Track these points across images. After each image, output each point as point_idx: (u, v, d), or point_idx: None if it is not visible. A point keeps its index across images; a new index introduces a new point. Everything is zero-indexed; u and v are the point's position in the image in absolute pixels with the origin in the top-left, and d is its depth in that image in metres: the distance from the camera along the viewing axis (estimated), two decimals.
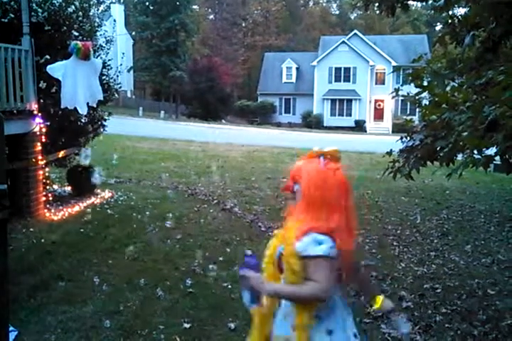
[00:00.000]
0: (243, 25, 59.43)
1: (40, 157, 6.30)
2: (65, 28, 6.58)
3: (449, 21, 4.29)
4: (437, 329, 3.62)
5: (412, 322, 3.70)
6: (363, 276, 2.16)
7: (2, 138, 2.58)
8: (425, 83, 3.90)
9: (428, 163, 4.08)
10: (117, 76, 8.11)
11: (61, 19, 6.54)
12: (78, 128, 7.40)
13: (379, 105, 39.32)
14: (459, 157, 3.43)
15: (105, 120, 7.95)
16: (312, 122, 38.17)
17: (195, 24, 45.73)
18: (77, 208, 6.79)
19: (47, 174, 6.87)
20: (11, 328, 3.10)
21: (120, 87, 8.47)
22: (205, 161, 12.57)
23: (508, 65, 3.05)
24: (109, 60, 7.80)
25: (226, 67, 44.17)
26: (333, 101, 39.43)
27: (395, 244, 5.86)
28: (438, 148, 3.71)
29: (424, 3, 6.42)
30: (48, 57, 6.15)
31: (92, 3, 7.62)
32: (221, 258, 4.97)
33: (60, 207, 6.76)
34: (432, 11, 4.94)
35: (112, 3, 37.97)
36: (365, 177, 10.23)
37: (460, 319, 3.79)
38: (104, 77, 7.39)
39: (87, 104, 5.63)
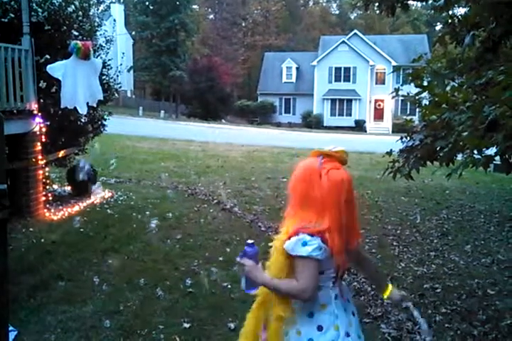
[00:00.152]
0: (243, 24, 59.45)
1: (40, 157, 6.30)
2: (65, 27, 6.57)
3: (449, 21, 4.29)
4: (437, 329, 3.62)
5: (412, 321, 3.71)
6: (371, 267, 2.17)
7: (2, 137, 2.58)
8: (425, 83, 3.90)
9: (428, 163, 4.08)
10: (117, 76, 8.11)
11: (61, 19, 6.53)
12: (78, 128, 7.40)
13: (379, 105, 39.33)
14: (459, 157, 3.43)
15: (105, 120, 7.95)
16: (312, 122, 38.18)
17: (195, 24, 45.75)
18: (76, 208, 6.79)
19: (47, 174, 6.87)
20: (10, 328, 3.10)
21: (120, 87, 8.46)
22: (205, 161, 12.57)
23: (508, 64, 3.05)
24: (109, 59, 7.80)
25: (226, 66, 44.18)
26: (333, 101, 39.44)
27: (394, 243, 5.86)
28: (438, 148, 3.71)
29: (424, 3, 6.42)
30: (47, 56, 6.15)
31: (91, 2, 7.61)
32: (221, 258, 4.97)
33: (60, 207, 6.76)
34: (432, 11, 4.94)
35: (111, 2, 37.95)
36: (365, 177, 10.23)
37: (460, 319, 3.79)
38: (104, 77, 7.39)
39: (87, 103, 5.63)
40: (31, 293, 3.94)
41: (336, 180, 1.78)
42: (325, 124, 38.18)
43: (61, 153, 7.04)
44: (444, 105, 3.60)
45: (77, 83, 5.40)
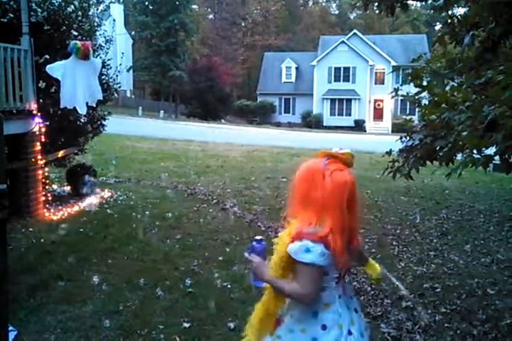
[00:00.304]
0: (243, 24, 59.46)
1: (39, 157, 6.30)
2: (64, 27, 6.57)
3: (449, 21, 4.29)
4: (437, 328, 3.62)
5: (412, 321, 3.71)
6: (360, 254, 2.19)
7: (1, 137, 2.58)
8: (425, 83, 3.90)
9: (427, 162, 4.08)
10: (117, 76, 8.11)
11: (60, 19, 6.53)
12: (77, 128, 7.40)
13: (378, 105, 39.33)
14: (459, 157, 3.43)
15: (104, 120, 7.95)
16: (312, 122, 38.19)
17: (195, 24, 45.73)
18: (76, 208, 6.79)
19: (46, 174, 6.87)
20: (10, 328, 3.10)
21: (119, 87, 8.46)
22: (204, 161, 12.57)
23: (507, 64, 3.05)
24: (108, 59, 7.80)
25: (226, 66, 44.17)
26: (332, 100, 39.45)
27: (394, 243, 5.86)
28: (437, 148, 3.72)
29: (423, 3, 6.43)
30: (47, 56, 6.15)
31: (91, 2, 7.61)
32: (221, 258, 4.97)
33: (60, 207, 6.76)
34: (432, 11, 4.94)
35: (111, 2, 37.90)
36: (365, 177, 10.23)
37: (459, 318, 3.79)
38: (103, 77, 7.39)
39: (87, 103, 5.63)
40: (31, 292, 3.93)
41: (339, 181, 1.78)
42: (324, 124, 38.18)
43: (61, 153, 7.04)
44: (443, 105, 3.60)
45: (76, 83, 5.39)
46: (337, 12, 69.81)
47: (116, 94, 8.33)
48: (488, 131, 2.80)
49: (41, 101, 6.32)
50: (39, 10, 6.21)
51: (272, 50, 50.59)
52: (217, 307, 3.80)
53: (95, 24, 7.61)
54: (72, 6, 6.65)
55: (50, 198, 6.86)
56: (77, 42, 5.39)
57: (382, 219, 7.09)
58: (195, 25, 45.97)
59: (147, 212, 6.71)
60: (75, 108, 5.52)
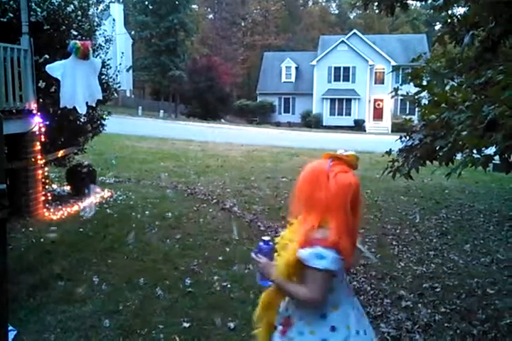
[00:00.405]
0: (242, 24, 59.45)
1: (39, 156, 6.30)
2: (64, 27, 6.57)
3: (449, 21, 4.29)
4: (437, 328, 3.62)
5: (412, 321, 3.71)
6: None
7: (1, 137, 2.58)
8: (424, 82, 3.90)
9: (427, 162, 4.08)
10: (116, 75, 8.11)
11: (60, 18, 6.53)
12: (77, 128, 7.40)
13: (378, 104, 39.33)
14: (458, 156, 3.43)
15: (104, 119, 7.95)
16: (311, 122, 38.19)
17: (195, 23, 45.71)
18: (76, 207, 6.79)
19: (46, 173, 6.86)
20: (10, 327, 3.10)
21: (119, 87, 8.46)
22: (204, 161, 12.57)
23: (507, 64, 3.05)
24: (108, 59, 7.79)
25: (225, 66, 44.18)
26: (332, 100, 39.44)
27: (394, 243, 5.86)
28: (437, 148, 3.71)
29: (423, 3, 6.43)
30: (47, 56, 6.15)
31: (91, 2, 7.61)
32: (220, 258, 4.97)
33: (60, 207, 6.76)
34: (432, 11, 4.94)
35: (111, 2, 37.82)
36: (365, 177, 10.22)
37: (459, 318, 3.79)
38: (103, 77, 7.38)
39: (86, 103, 5.62)
40: (31, 292, 3.93)
41: (343, 183, 1.78)
42: (324, 124, 38.17)
43: (60, 153, 7.04)
44: (443, 105, 3.60)
45: (76, 83, 5.39)
46: (337, 12, 69.82)
47: (116, 94, 8.33)
48: (487, 131, 2.80)
49: (41, 100, 6.32)
50: (39, 9, 6.21)
51: (271, 49, 50.57)
52: (217, 307, 3.80)
53: (95, 24, 7.61)
54: (72, 6, 6.65)
55: (49, 198, 6.86)
56: (77, 41, 5.38)
57: (382, 218, 7.09)
58: (195, 25, 45.95)
59: (147, 212, 6.71)
60: (74, 108, 5.52)
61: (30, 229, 5.71)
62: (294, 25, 61.19)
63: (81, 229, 5.79)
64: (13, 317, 3.30)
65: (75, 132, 7.40)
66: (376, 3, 5.42)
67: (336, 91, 39.10)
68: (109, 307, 3.74)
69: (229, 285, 4.23)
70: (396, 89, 4.20)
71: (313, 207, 1.81)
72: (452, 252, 5.56)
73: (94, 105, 6.11)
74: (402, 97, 4.41)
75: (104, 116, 7.91)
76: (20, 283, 4.07)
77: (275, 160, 13.30)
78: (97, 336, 3.33)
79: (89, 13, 7.49)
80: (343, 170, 1.81)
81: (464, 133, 3.02)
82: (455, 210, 7.82)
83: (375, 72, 39.38)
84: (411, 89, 3.99)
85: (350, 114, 38.93)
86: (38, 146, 6.26)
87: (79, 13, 6.85)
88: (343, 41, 39.35)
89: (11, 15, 5.98)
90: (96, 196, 7.44)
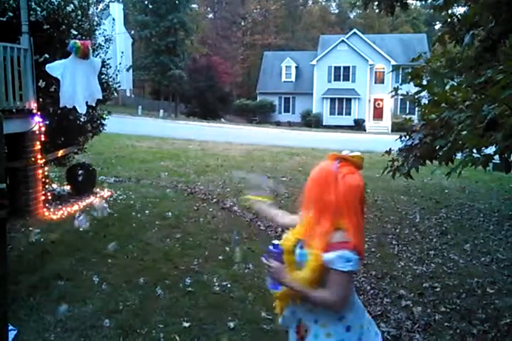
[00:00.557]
0: (242, 24, 59.44)
1: (39, 156, 6.30)
2: (64, 26, 6.56)
3: (449, 20, 4.29)
4: (436, 328, 3.63)
5: (411, 320, 3.71)
6: None
7: (1, 137, 2.58)
8: (424, 82, 3.90)
9: (427, 161, 4.09)
10: (116, 75, 8.10)
11: (60, 18, 6.52)
12: (77, 127, 7.39)
13: (378, 104, 39.32)
14: (458, 156, 3.44)
15: (104, 119, 7.94)
16: (311, 121, 38.17)
17: (195, 23, 45.72)
18: (76, 207, 6.79)
19: (46, 173, 6.86)
20: (10, 327, 3.10)
21: (119, 86, 8.45)
22: (204, 160, 12.56)
23: (507, 63, 3.05)
24: (108, 58, 7.79)
25: (225, 66, 44.15)
26: (332, 100, 39.42)
27: (394, 242, 5.87)
28: (437, 147, 3.72)
29: (423, 2, 6.42)
30: (47, 56, 6.14)
31: (91, 1, 7.60)
32: (220, 257, 4.97)
33: (60, 206, 6.75)
34: (432, 10, 4.94)
35: (111, 1, 37.95)
36: (364, 176, 10.12)
37: (459, 318, 3.80)
38: (103, 76, 7.38)
39: (86, 103, 5.62)
40: (31, 292, 3.93)
41: (351, 185, 1.81)
42: (324, 123, 38.16)
43: (60, 152, 7.03)
44: (443, 104, 3.60)
45: (76, 82, 5.39)
46: (337, 11, 69.75)
47: (115, 94, 8.33)
48: (487, 131, 2.80)
49: (41, 100, 6.32)
50: (38, 9, 6.21)
51: (271, 49, 50.55)
52: (217, 306, 3.81)
53: (95, 23, 7.60)
54: (72, 5, 6.64)
55: (49, 197, 6.85)
56: (77, 41, 5.38)
57: (382, 218, 7.09)
58: (195, 25, 45.96)
59: (147, 212, 6.70)
60: (74, 107, 5.52)
61: (30, 228, 5.71)
62: (294, 25, 61.18)
63: (81, 229, 5.78)
64: (13, 317, 3.31)
65: (74, 132, 7.39)
66: (376, 3, 5.42)
67: (335, 91, 39.08)
68: (109, 307, 3.74)
69: (229, 285, 4.23)
70: (396, 89, 4.21)
71: (325, 210, 1.82)
72: (452, 252, 5.56)
73: (94, 105, 6.10)
74: (402, 97, 4.42)
75: (104, 116, 7.90)
76: (20, 283, 4.07)
77: (275, 160, 13.29)
78: (97, 335, 3.33)
79: (89, 12, 7.49)
80: (350, 172, 1.84)
81: (464, 132, 3.02)
82: (455, 210, 7.82)
83: (375, 72, 39.35)
84: (411, 88, 3.99)
85: (350, 114, 38.91)
86: (37, 146, 6.25)
87: (79, 12, 6.85)
88: (343, 41, 39.32)
89: (11, 14, 5.98)
90: (97, 196, 7.44)
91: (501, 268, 5.08)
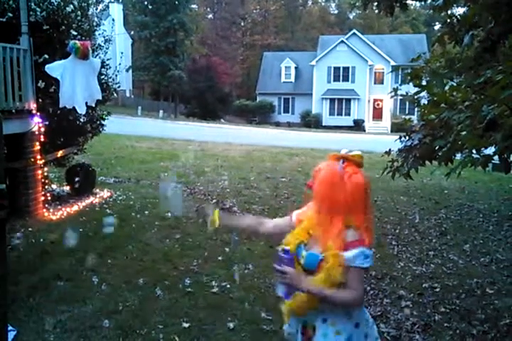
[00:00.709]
0: (242, 24, 59.45)
1: (38, 156, 6.29)
2: (63, 27, 6.56)
3: (448, 21, 4.29)
4: (436, 328, 3.63)
5: (411, 321, 3.71)
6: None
7: (1, 137, 2.58)
8: (424, 82, 3.90)
9: (427, 162, 4.09)
10: (116, 75, 8.09)
11: (60, 18, 6.52)
12: (77, 128, 7.39)
13: (378, 104, 39.34)
14: (458, 156, 3.44)
15: (104, 119, 7.94)
16: (311, 122, 38.18)
17: (194, 23, 45.71)
18: (75, 208, 6.79)
19: (46, 173, 6.85)
20: (10, 328, 3.10)
21: (119, 87, 8.44)
22: (203, 160, 12.56)
23: (506, 64, 3.05)
24: (107, 59, 7.78)
25: (225, 66, 44.16)
26: (331, 100, 39.44)
27: (393, 243, 5.86)
28: (437, 148, 3.72)
29: (423, 3, 6.43)
30: (46, 56, 6.14)
31: (90, 2, 7.59)
32: (220, 258, 4.97)
33: (59, 207, 6.75)
34: (431, 11, 4.95)
35: (110, 2, 38.01)
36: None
37: (459, 318, 3.80)
38: (102, 77, 7.37)
39: (86, 103, 5.62)
40: (30, 292, 3.93)
41: (358, 184, 1.87)
42: (324, 124, 38.17)
43: (60, 153, 7.03)
44: (442, 104, 3.60)
45: (75, 83, 5.39)
46: (336, 12, 69.77)
47: (115, 94, 8.32)
48: (487, 131, 2.80)
49: (40, 100, 6.31)
50: (38, 9, 6.21)
51: (271, 49, 50.57)
52: (216, 307, 3.80)
53: (94, 24, 7.60)
54: (72, 6, 6.64)
55: (49, 198, 6.84)
56: (77, 41, 5.38)
57: (382, 218, 7.09)
58: (195, 25, 45.95)
59: (146, 212, 6.70)
60: (74, 108, 5.52)
61: (30, 229, 5.70)
62: (294, 25, 61.20)
63: (81, 229, 5.78)
64: (12, 317, 3.30)
65: (74, 132, 7.39)
66: (376, 3, 5.43)
67: (335, 92, 39.10)
68: (109, 308, 3.73)
69: (228, 286, 4.23)
70: (395, 89, 4.21)
71: (334, 210, 1.86)
72: (452, 252, 5.56)
73: (93, 105, 6.10)
74: (401, 97, 4.42)
75: (103, 116, 7.90)
76: (20, 283, 4.06)
77: (275, 160, 13.29)
78: (97, 336, 3.33)
79: (89, 13, 7.48)
80: (354, 171, 1.88)
81: (464, 133, 3.02)
82: (454, 210, 7.82)
83: (375, 72, 39.37)
84: (410, 89, 3.99)
85: (349, 114, 38.93)
86: (37, 146, 6.25)
87: (78, 13, 6.84)
88: (342, 41, 39.34)
89: (11, 15, 5.97)
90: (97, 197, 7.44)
91: (501, 268, 5.08)
